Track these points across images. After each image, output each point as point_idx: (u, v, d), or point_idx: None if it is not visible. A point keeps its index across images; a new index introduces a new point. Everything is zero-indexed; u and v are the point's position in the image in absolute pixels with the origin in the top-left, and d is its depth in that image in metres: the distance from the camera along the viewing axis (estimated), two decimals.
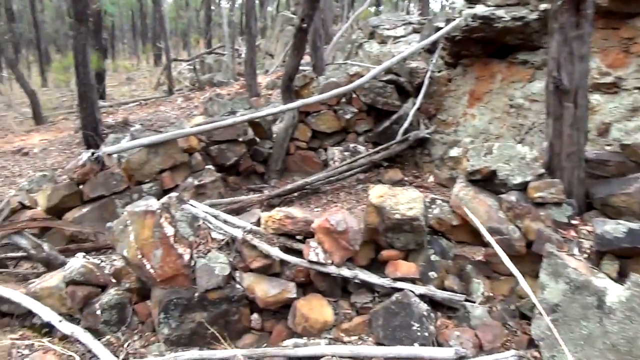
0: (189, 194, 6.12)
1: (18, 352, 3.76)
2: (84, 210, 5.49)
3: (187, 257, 3.63)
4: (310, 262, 3.53)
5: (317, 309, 3.52)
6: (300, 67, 12.55)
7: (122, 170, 5.74)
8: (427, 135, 6.84)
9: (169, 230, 3.58)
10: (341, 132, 7.16)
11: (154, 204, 3.61)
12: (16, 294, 3.93)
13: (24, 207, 5.37)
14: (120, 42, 41.06)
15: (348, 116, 7.01)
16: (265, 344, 3.68)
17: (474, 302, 3.37)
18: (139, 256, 3.54)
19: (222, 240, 3.86)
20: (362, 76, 7.15)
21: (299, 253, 3.67)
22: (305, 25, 5.98)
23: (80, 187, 5.57)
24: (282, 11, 22.58)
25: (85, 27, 9.16)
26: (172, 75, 16.14)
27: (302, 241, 3.76)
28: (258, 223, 3.95)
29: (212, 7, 30.14)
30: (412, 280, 3.46)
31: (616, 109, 4.74)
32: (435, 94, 7.09)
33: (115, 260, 4.62)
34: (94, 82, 9.84)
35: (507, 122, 5.95)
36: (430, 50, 8.20)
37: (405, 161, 7.10)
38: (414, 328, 3.21)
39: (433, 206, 3.73)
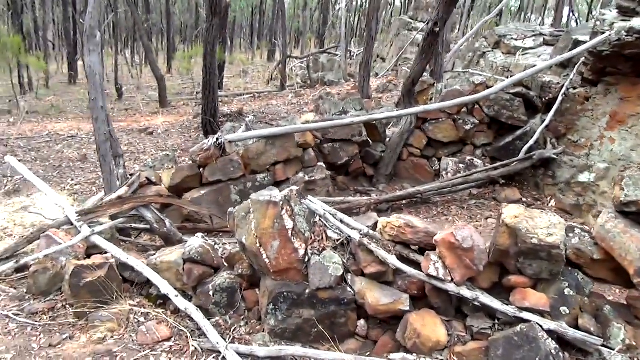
0: (299, 188, 6.18)
1: (135, 318, 3.99)
2: (202, 192, 5.75)
3: (302, 252, 3.61)
4: (429, 276, 3.35)
5: (430, 326, 3.33)
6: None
7: (240, 159, 5.92)
8: (554, 156, 6.31)
9: (289, 223, 3.58)
10: (458, 142, 6.85)
11: (277, 195, 3.63)
12: (139, 264, 4.16)
13: (150, 182, 5.73)
14: (238, 37, 43.16)
15: (468, 127, 6.68)
16: (368, 353, 3.57)
17: (613, 349, 2.98)
18: (257, 245, 3.58)
19: (338, 240, 3.80)
20: (488, 86, 6.79)
21: (415, 264, 3.51)
22: (438, 29, 5.77)
23: (201, 170, 5.84)
24: (398, 16, 22.31)
25: (218, 20, 9.66)
26: (285, 72, 16.60)
27: (420, 252, 3.59)
28: (374, 227, 3.84)
29: (330, 10, 30.65)
30: (541, 313, 3.14)
31: None
32: (567, 112, 6.52)
33: (226, 244, 4.75)
34: (217, 72, 10.38)
35: None
36: (564, 64, 7.60)
37: (525, 181, 6.62)
38: None
39: (571, 235, 3.36)
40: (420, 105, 8.03)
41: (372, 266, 3.55)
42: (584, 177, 6.00)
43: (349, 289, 3.59)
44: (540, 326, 3.07)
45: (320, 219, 3.94)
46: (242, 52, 37.96)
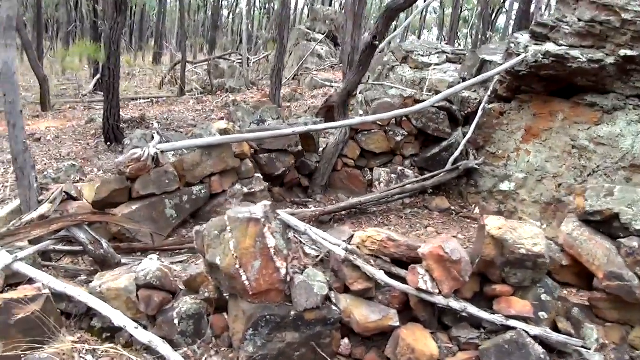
0: (237, 201, 5.89)
1: (81, 357, 3.45)
2: (134, 207, 5.18)
3: (283, 271, 3.39)
4: (418, 289, 3.34)
5: (421, 340, 3.32)
6: (325, 83, 12.45)
7: (174, 170, 5.46)
8: (476, 166, 6.76)
9: (271, 241, 3.34)
10: (389, 153, 7.03)
11: (257, 211, 3.37)
12: (82, 293, 3.61)
13: (70, 197, 5.02)
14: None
15: (399, 138, 6.89)
16: None
17: (589, 349, 3.22)
18: (237, 266, 3.29)
19: (317, 256, 3.65)
20: (416, 100, 7.08)
21: (398, 278, 3.49)
22: (377, 42, 5.88)
23: (130, 183, 5.27)
24: (296, 26, 22.55)
25: (123, 18, 8.90)
26: (185, 77, 15.85)
27: (402, 266, 3.58)
28: (349, 241, 3.75)
29: (220, 15, 29.98)
30: (525, 320, 3.29)
31: None
32: (484, 126, 7.03)
33: (173, 264, 4.33)
34: (119, 75, 9.56)
35: (567, 162, 5.92)
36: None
37: (450, 190, 7.00)
38: None
39: None
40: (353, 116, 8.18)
41: (359, 283, 3.46)
42: (504, 186, 6.51)
43: (334, 307, 3.44)
44: (527, 332, 3.21)
45: (294, 235, 3.75)
46: (123, 54, 35.51)
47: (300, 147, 6.57)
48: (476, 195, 6.88)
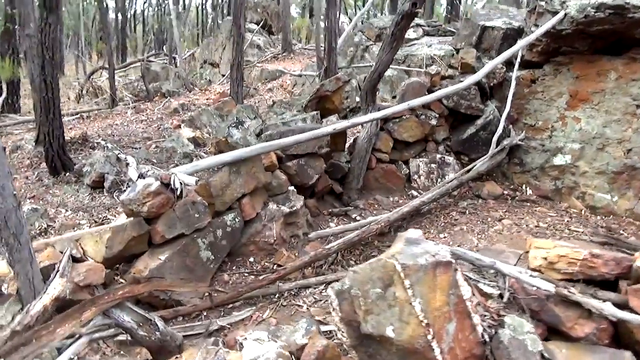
0: (279, 225, 4.70)
1: None
2: (162, 257, 3.84)
3: (480, 329, 2.36)
4: None
5: None
6: (304, 73, 11.30)
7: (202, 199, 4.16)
8: (520, 143, 6.03)
9: (466, 291, 2.29)
10: (421, 141, 6.11)
11: (440, 250, 2.29)
12: None
13: (73, 259, 3.59)
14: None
15: (433, 122, 5.99)
16: None
17: None
18: (428, 336, 2.20)
19: (500, 295, 2.63)
20: (442, 76, 6.21)
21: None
22: (417, 10, 4.87)
23: (149, 225, 3.91)
24: (227, 17, 20.90)
25: (55, 17, 7.16)
26: (115, 85, 13.87)
27: (607, 287, 2.68)
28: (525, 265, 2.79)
29: (127, 13, 27.38)
30: None
31: None
32: (514, 97, 6.31)
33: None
34: (59, 88, 7.80)
35: (633, 124, 5.33)
36: (484, 48, 7.54)
37: (492, 172, 6.22)
38: None
39: None
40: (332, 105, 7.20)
41: (581, 324, 2.50)
42: (558, 160, 5.84)
43: None
44: None
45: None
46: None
47: (328, 148, 5.46)
48: (522, 175, 6.17)
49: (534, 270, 2.74)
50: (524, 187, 6.06)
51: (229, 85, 14.47)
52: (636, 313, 2.51)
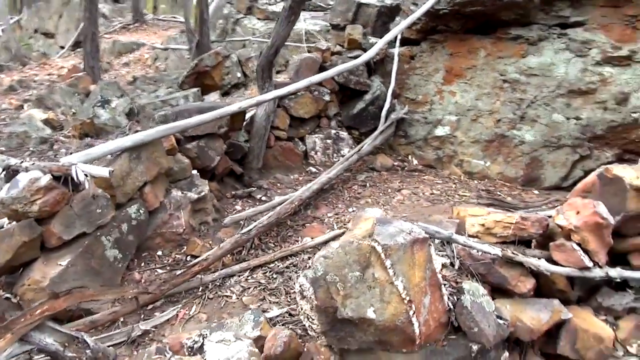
0: (187, 213, 4.35)
1: None
2: (63, 262, 3.29)
3: (446, 297, 2.47)
4: (582, 268, 2.81)
5: (594, 323, 2.86)
6: (170, 46, 10.42)
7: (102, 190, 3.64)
8: (404, 116, 6.40)
9: (438, 264, 2.36)
10: (315, 117, 6.11)
11: (414, 228, 2.31)
12: None
13: None
14: None
15: (327, 98, 6.02)
16: None
17: None
18: (410, 312, 2.23)
19: (451, 263, 2.77)
20: (332, 52, 6.26)
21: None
22: None
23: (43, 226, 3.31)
24: None
25: None
26: None
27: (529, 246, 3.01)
28: (460, 231, 2.99)
29: None
30: None
31: (632, 79, 5.21)
32: (396, 73, 6.65)
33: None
34: None
35: (501, 97, 5.99)
36: (344, 27, 7.77)
37: (381, 145, 6.51)
38: None
39: None
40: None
41: (524, 282, 2.75)
42: (439, 131, 6.33)
43: (501, 321, 2.67)
44: None
45: None
46: None
47: (227, 128, 5.17)
48: (407, 146, 6.57)
49: (472, 236, 2.94)
50: (409, 157, 6.48)
51: (82, 59, 12.90)
52: (560, 265, 2.85)
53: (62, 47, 15.29)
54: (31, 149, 6.28)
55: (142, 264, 4.00)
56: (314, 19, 9.15)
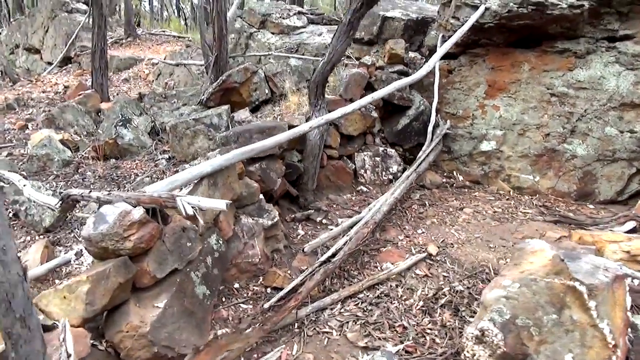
0: (261, 241, 4.07)
1: None
2: (160, 304, 2.97)
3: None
4: None
5: None
6: (182, 62, 10.06)
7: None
8: (448, 131, 6.27)
9: (629, 301, 2.17)
10: (361, 134, 5.91)
11: (607, 262, 2.12)
12: None
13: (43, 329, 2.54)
14: None
15: (374, 114, 5.84)
16: None
17: None
18: (613, 357, 2.03)
19: None
20: (377, 66, 6.08)
21: None
22: None
23: (136, 264, 2.99)
24: None
25: None
26: None
27: None
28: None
29: None
30: None
31: None
32: (433, 87, 6.54)
33: None
34: None
35: (548, 111, 5.92)
36: (372, 41, 7.68)
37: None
38: None
39: None
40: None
41: None
42: (485, 146, 6.21)
43: None
44: None
45: None
46: None
47: (284, 148, 4.91)
48: (451, 162, 6.43)
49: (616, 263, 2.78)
50: (454, 173, 6.33)
51: (74, 75, 12.42)
52: None
53: (49, 63, 14.70)
54: (55, 172, 5.92)
55: (224, 300, 3.69)
56: (330, 32, 8.97)
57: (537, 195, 5.84)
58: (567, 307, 2.05)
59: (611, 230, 4.56)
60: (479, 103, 6.35)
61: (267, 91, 7.29)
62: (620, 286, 2.11)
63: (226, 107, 6.57)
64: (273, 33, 9.28)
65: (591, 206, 5.55)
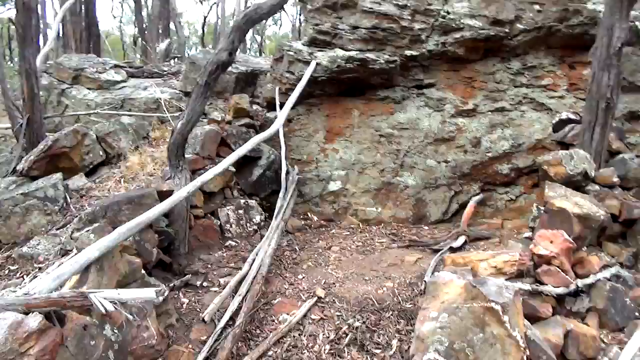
0: (154, 320, 3.81)
1: None
2: None
3: None
4: (567, 286, 3.55)
5: (583, 327, 3.59)
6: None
7: None
8: (299, 176, 6.70)
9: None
10: (222, 189, 5.92)
11: (499, 282, 2.65)
12: None
13: None
14: None
15: (232, 169, 5.90)
16: None
17: None
18: (524, 357, 2.55)
19: None
20: (226, 121, 6.21)
21: None
22: (234, 59, 4.74)
23: None
24: None
25: None
26: None
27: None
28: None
29: None
30: None
31: (479, 126, 6.56)
32: (275, 135, 6.93)
33: None
34: None
35: (380, 150, 6.80)
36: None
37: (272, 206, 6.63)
38: None
39: None
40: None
41: (546, 307, 3.32)
42: (333, 186, 6.79)
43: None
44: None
45: None
46: None
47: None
48: (304, 204, 6.84)
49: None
50: (309, 214, 6.75)
51: None
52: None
53: None
54: None
55: None
56: (159, 86, 8.75)
57: (382, 224, 6.59)
58: (487, 325, 2.50)
59: (451, 246, 5.46)
60: (320, 147, 6.94)
61: (101, 153, 6.80)
62: (519, 299, 2.66)
63: (58, 175, 5.95)
64: (90, 89, 8.64)
65: (426, 227, 6.50)
